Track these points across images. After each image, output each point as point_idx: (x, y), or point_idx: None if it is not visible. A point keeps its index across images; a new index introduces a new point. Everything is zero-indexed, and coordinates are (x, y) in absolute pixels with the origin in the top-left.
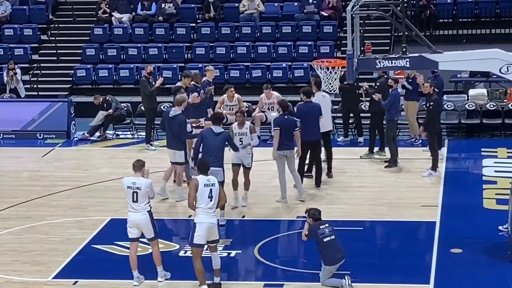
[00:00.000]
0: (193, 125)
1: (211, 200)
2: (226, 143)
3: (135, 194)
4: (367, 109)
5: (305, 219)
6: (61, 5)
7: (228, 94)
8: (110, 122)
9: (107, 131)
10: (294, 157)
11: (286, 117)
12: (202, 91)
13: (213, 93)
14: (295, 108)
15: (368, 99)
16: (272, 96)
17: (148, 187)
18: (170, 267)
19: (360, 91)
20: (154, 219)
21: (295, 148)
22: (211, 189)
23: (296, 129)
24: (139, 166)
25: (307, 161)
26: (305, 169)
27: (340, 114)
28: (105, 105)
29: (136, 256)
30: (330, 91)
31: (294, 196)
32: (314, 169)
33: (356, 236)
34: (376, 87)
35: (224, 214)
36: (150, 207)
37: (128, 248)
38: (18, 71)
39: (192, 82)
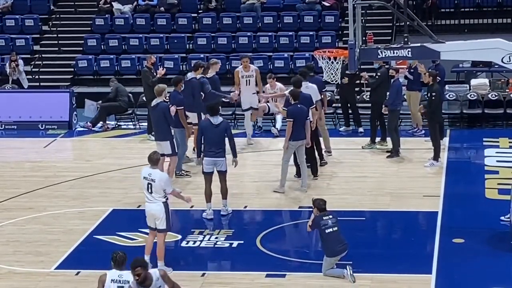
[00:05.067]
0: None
1: None
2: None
3: (149, 185)
4: (368, 99)
5: (307, 209)
6: None
7: (244, 64)
8: (105, 114)
9: (107, 122)
10: (304, 147)
11: (299, 106)
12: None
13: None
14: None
15: (369, 89)
16: (276, 87)
17: (163, 181)
18: (172, 257)
19: (361, 81)
20: (169, 212)
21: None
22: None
23: (307, 118)
24: (155, 159)
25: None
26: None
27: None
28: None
29: (152, 243)
30: (332, 81)
31: (295, 187)
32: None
33: (358, 226)
34: (377, 77)
35: (227, 204)
36: (167, 199)
37: (130, 238)
38: (21, 62)
39: (201, 74)
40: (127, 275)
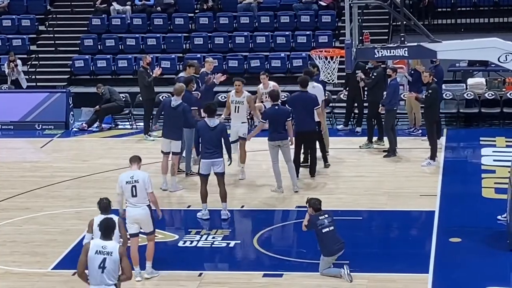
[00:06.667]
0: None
1: (102, 272)
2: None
3: (133, 188)
4: (365, 98)
5: (304, 209)
6: None
7: (236, 88)
8: (103, 115)
9: (103, 123)
10: (289, 147)
11: (276, 107)
12: (203, 84)
13: (216, 83)
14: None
15: (365, 88)
16: (269, 86)
17: (146, 180)
18: (169, 257)
19: (356, 80)
20: (152, 212)
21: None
22: (105, 258)
23: (288, 119)
24: (136, 160)
25: (302, 151)
26: (302, 160)
27: (340, 104)
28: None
29: (137, 252)
30: (329, 81)
31: (291, 187)
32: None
33: (355, 225)
34: (373, 77)
35: (227, 207)
36: (149, 201)
37: None
38: (19, 62)
39: (192, 73)
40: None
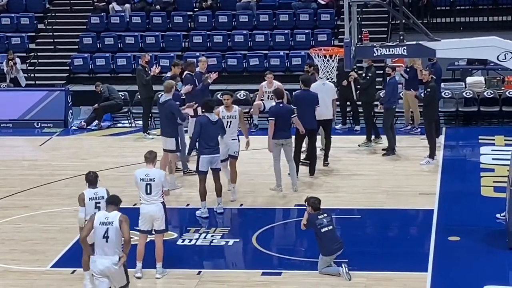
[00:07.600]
0: (189, 112)
1: (106, 241)
2: None
3: (148, 186)
4: (357, 98)
5: (303, 207)
6: None
7: (226, 103)
8: (102, 113)
9: (102, 121)
10: (291, 146)
11: (281, 105)
12: (201, 82)
13: (209, 82)
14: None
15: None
16: (273, 85)
17: (162, 178)
18: (168, 255)
19: (349, 80)
20: (166, 211)
21: (293, 136)
22: (107, 228)
23: (293, 116)
24: (151, 157)
25: (304, 149)
26: (303, 157)
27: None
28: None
29: (144, 247)
30: (328, 79)
31: (290, 185)
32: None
33: (354, 224)
34: (368, 77)
35: (222, 201)
36: (163, 198)
37: None
38: (18, 60)
39: (187, 72)
40: (101, 191)
